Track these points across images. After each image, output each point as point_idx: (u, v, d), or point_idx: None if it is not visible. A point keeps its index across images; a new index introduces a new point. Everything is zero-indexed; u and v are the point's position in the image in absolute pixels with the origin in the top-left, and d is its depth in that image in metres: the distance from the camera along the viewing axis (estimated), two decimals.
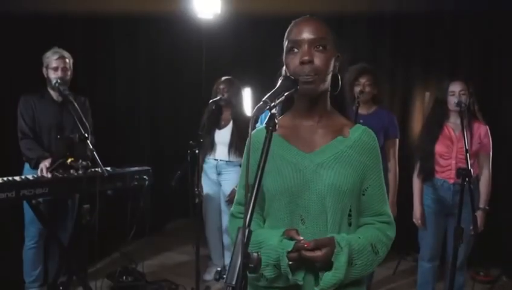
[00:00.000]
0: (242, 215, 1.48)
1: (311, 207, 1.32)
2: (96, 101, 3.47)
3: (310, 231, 1.32)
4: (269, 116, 1.13)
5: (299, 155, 1.35)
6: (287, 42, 1.34)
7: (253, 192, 1.07)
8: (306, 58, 1.27)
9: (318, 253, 1.23)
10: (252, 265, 1.02)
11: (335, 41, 1.35)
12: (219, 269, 1.08)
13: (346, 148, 1.35)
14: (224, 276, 1.01)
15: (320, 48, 1.29)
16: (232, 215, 1.52)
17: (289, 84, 1.23)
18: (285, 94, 1.19)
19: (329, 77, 1.34)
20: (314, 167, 1.33)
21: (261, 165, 1.10)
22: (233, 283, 0.97)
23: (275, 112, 1.13)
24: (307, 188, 1.32)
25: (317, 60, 1.28)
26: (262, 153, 1.12)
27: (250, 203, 1.05)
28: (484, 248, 3.73)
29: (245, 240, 1.01)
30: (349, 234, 1.33)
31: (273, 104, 1.13)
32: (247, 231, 1.02)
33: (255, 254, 1.03)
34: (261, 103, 1.12)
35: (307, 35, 1.29)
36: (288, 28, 1.36)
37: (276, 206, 1.37)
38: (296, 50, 1.31)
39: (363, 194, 1.37)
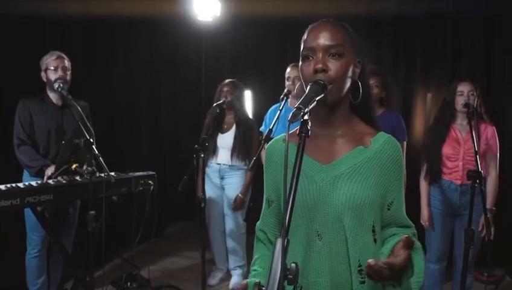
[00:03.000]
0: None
1: (329, 222, 1.24)
2: (96, 104, 3.42)
3: (328, 247, 1.24)
4: (302, 122, 1.11)
5: (316, 166, 1.28)
6: (302, 49, 1.29)
7: (289, 204, 1.03)
8: (319, 66, 1.22)
9: (398, 258, 1.09)
10: (291, 276, 0.99)
11: (355, 46, 1.29)
12: (257, 280, 1.05)
13: (366, 159, 1.26)
14: (264, 288, 0.98)
15: (336, 55, 1.23)
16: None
17: (318, 89, 1.19)
18: (316, 99, 1.16)
19: (346, 85, 1.27)
20: (331, 179, 1.26)
21: (296, 175, 1.07)
22: None
23: (307, 118, 1.11)
24: (323, 202, 1.25)
25: (332, 69, 1.23)
26: (296, 162, 1.08)
27: (286, 215, 1.02)
28: (488, 248, 3.73)
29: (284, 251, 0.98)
30: (376, 251, 1.24)
31: (306, 110, 1.10)
32: (285, 241, 0.99)
33: (293, 265, 1.00)
34: (295, 109, 1.09)
35: (321, 41, 1.24)
36: (305, 34, 1.31)
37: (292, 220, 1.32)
38: (311, 57, 1.25)
39: (389, 209, 1.28)
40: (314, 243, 1.25)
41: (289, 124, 1.06)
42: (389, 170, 1.27)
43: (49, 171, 2.91)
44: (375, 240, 1.26)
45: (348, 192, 1.24)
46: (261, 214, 1.47)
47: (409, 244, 1.10)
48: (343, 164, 1.27)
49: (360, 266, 1.23)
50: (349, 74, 1.26)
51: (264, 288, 0.99)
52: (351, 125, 1.33)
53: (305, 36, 1.29)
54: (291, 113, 1.08)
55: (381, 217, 1.29)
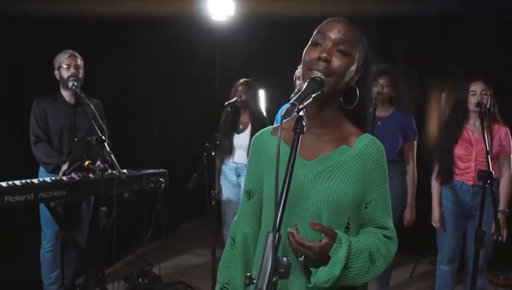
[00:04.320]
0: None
1: (308, 217, 1.26)
2: (109, 103, 3.48)
3: None
4: (297, 119, 1.12)
5: (299, 162, 1.28)
6: (314, 33, 1.29)
7: (282, 196, 1.05)
8: (324, 55, 1.22)
9: (315, 244, 1.15)
10: (283, 270, 1.01)
11: (363, 52, 1.29)
12: (248, 274, 1.06)
13: (348, 158, 1.28)
14: (254, 281, 0.99)
15: (343, 51, 1.23)
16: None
17: (315, 86, 1.20)
18: (312, 96, 1.17)
19: (341, 84, 1.26)
20: (312, 175, 1.28)
21: (290, 170, 1.08)
22: (264, 288, 0.96)
23: (303, 114, 1.12)
24: (303, 197, 1.27)
25: (335, 62, 1.22)
26: (290, 156, 1.10)
27: (279, 208, 1.04)
28: (503, 251, 3.67)
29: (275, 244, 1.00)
30: None
31: (301, 106, 1.11)
32: (277, 235, 1.00)
33: (285, 259, 1.02)
34: (289, 105, 1.10)
35: (335, 32, 1.24)
36: (323, 22, 1.30)
37: (270, 213, 1.31)
38: (319, 45, 1.25)
39: (366, 207, 1.30)
40: None
41: (282, 120, 1.07)
42: (370, 171, 1.29)
43: (64, 167, 2.97)
44: None
45: (328, 189, 1.25)
46: (240, 206, 1.47)
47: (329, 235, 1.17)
48: (325, 161, 1.29)
49: None
50: (349, 75, 1.26)
51: (254, 281, 1.00)
52: (338, 125, 1.33)
53: (322, 23, 1.30)
54: (285, 109, 1.09)
55: (359, 216, 1.30)
